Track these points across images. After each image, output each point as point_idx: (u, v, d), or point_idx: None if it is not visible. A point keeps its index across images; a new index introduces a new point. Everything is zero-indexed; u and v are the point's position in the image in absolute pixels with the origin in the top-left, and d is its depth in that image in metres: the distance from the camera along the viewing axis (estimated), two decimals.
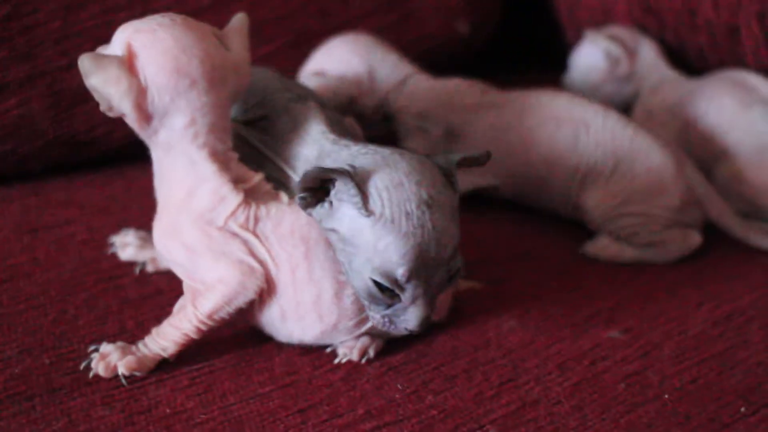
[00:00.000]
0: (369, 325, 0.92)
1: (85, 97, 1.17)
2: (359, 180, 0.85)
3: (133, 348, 0.91)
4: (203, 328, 0.90)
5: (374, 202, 0.84)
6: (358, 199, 0.84)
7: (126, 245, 1.04)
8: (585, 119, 1.14)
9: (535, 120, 1.15)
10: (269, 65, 1.10)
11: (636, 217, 1.13)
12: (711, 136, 1.21)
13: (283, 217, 0.91)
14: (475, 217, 1.19)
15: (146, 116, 0.87)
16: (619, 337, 0.99)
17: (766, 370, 0.95)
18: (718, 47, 1.31)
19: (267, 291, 0.90)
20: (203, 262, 0.90)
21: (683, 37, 1.34)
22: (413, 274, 0.83)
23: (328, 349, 0.94)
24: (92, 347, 0.91)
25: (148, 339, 0.91)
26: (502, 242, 1.16)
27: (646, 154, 1.14)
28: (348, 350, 0.93)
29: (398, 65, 1.23)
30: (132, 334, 0.94)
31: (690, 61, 1.34)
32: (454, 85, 1.21)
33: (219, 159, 0.90)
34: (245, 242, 0.90)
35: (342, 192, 0.85)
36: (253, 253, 0.90)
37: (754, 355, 0.97)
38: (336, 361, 0.93)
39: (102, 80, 0.86)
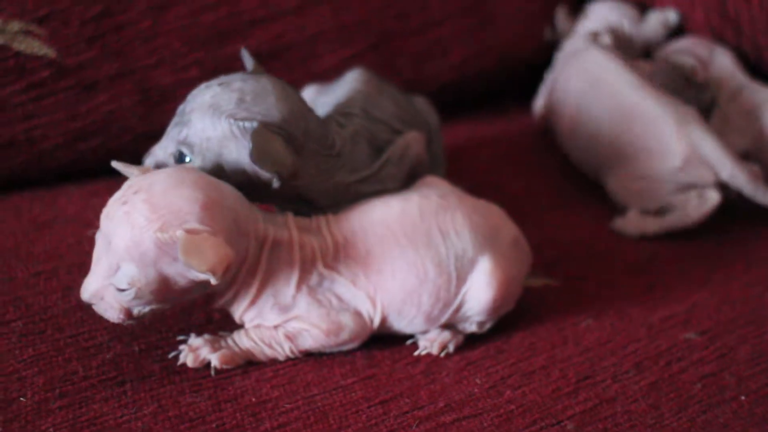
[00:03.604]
0: (450, 312, 0.94)
1: (174, 94, 1.21)
2: None
3: (222, 342, 0.93)
4: (293, 357, 0.93)
5: None
6: None
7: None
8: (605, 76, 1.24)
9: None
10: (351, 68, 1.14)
11: (643, 180, 1.17)
12: None
13: (345, 232, 0.93)
14: (554, 217, 1.21)
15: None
16: (696, 339, 1.00)
17: None
18: None
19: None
20: (303, 309, 0.92)
21: (760, 45, 1.34)
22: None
23: (409, 342, 0.96)
24: (180, 337, 0.94)
25: (237, 338, 0.93)
26: (581, 241, 1.17)
27: (644, 112, 1.19)
28: (428, 343, 0.95)
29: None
30: (217, 325, 0.96)
31: (765, 70, 1.34)
32: None
33: (274, 250, 0.91)
34: (338, 292, 0.92)
35: None
36: (350, 297, 0.93)
37: None
38: (416, 353, 0.95)
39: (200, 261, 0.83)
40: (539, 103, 1.38)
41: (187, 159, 0.91)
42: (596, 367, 0.95)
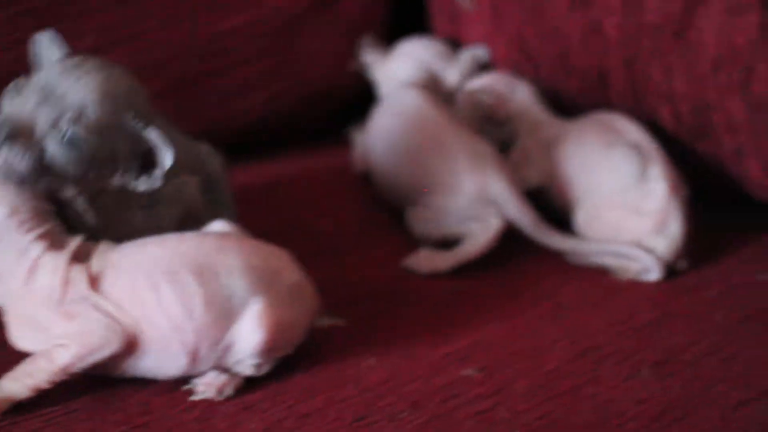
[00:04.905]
0: (220, 353, 0.94)
1: None
2: None
3: None
4: (56, 380, 0.92)
5: None
6: None
7: None
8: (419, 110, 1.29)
9: None
10: None
11: (433, 211, 1.23)
12: (576, 176, 1.26)
13: (116, 261, 0.94)
14: (355, 256, 1.23)
15: None
16: (474, 375, 1.01)
17: (613, 405, 0.98)
18: (589, 91, 1.36)
19: (130, 344, 0.93)
20: (61, 327, 0.92)
21: (557, 81, 1.38)
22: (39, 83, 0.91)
23: (185, 387, 0.96)
24: None
25: (1, 382, 0.92)
26: (377, 280, 1.18)
27: (443, 149, 1.25)
28: (205, 387, 0.95)
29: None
30: None
31: (564, 104, 1.38)
32: None
33: (47, 238, 0.93)
34: (97, 305, 0.92)
35: None
36: (108, 312, 0.92)
37: (603, 391, 0.99)
38: (193, 398, 0.95)
39: None
40: (358, 151, 1.40)
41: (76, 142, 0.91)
42: (373, 407, 0.96)
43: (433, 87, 1.38)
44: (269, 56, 1.41)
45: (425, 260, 1.20)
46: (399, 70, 1.43)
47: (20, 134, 0.90)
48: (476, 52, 1.45)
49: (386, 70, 1.45)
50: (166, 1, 1.34)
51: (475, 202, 1.22)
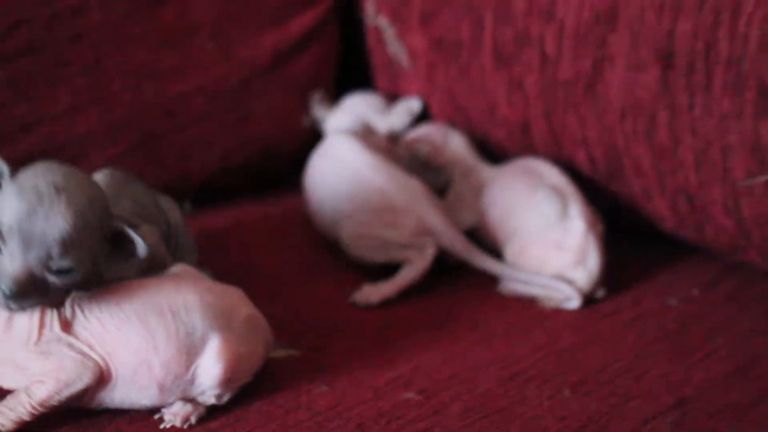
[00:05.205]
0: (184, 385, 1.04)
1: None
2: None
3: None
4: (36, 413, 1.01)
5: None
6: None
7: None
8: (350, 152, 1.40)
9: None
10: (117, 166, 1.22)
11: (374, 239, 1.35)
12: (504, 217, 1.39)
13: (85, 306, 1.04)
14: (304, 291, 1.33)
15: None
16: (415, 398, 1.11)
17: (538, 423, 1.08)
18: (514, 139, 1.49)
19: (101, 378, 1.03)
20: (38, 365, 1.02)
21: (486, 130, 1.51)
22: (13, 230, 0.97)
23: (156, 416, 1.06)
24: None
25: None
26: (326, 313, 1.29)
27: (380, 189, 1.36)
28: (172, 416, 1.05)
29: None
30: None
31: (493, 151, 1.52)
32: None
33: None
34: (70, 344, 1.02)
35: None
36: (80, 350, 1.02)
37: (529, 410, 1.10)
38: (162, 426, 1.04)
39: None
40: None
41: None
42: (323, 430, 1.05)
43: (368, 134, 1.50)
44: (225, 114, 1.53)
45: (371, 292, 1.31)
46: (340, 121, 1.56)
47: (25, 286, 0.98)
48: (409, 103, 1.59)
49: (332, 122, 1.58)
50: (131, 66, 1.47)
51: (414, 234, 1.35)
